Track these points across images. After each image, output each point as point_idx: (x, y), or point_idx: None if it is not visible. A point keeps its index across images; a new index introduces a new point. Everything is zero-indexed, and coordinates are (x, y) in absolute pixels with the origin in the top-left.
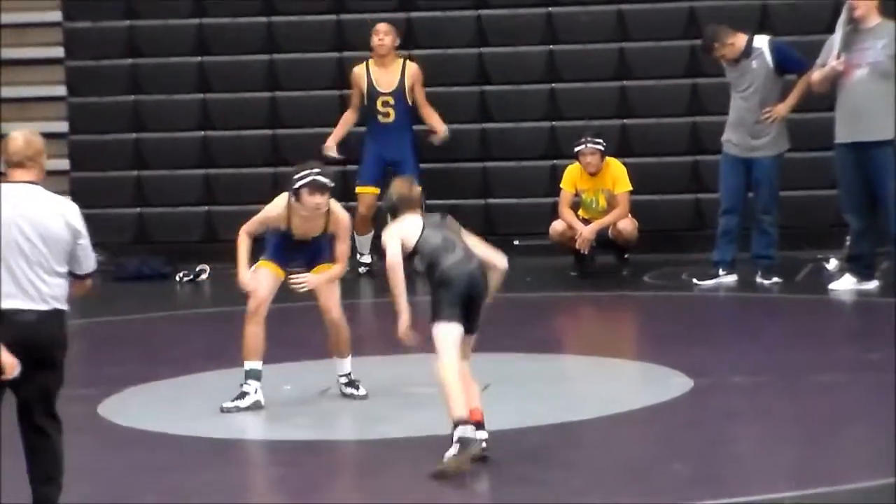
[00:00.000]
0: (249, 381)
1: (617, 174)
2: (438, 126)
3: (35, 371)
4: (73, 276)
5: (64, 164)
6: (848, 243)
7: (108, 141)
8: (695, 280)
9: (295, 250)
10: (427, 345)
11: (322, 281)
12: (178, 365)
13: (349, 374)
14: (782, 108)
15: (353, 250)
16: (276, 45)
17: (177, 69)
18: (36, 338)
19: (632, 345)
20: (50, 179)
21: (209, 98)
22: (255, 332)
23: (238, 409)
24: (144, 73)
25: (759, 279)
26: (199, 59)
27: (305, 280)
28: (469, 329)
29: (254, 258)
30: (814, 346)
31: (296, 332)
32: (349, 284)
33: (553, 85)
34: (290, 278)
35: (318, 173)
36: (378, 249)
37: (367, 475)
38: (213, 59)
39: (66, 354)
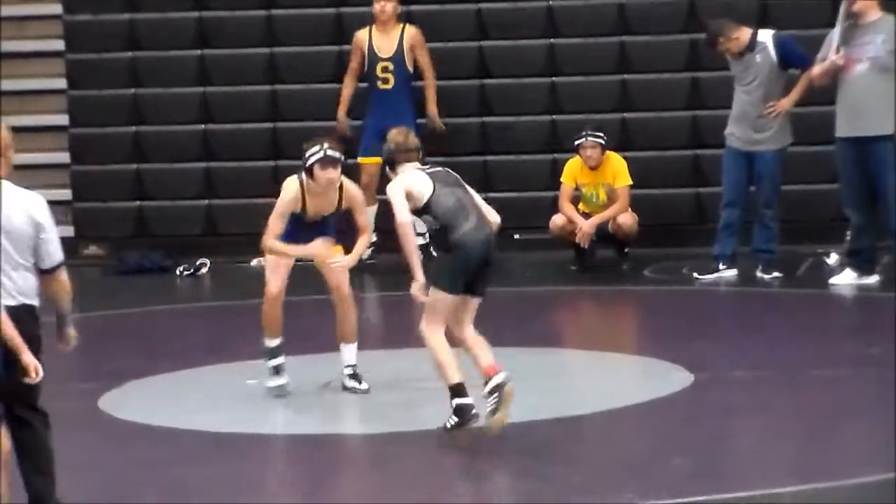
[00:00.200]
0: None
1: (617, 168)
2: (430, 106)
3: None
4: (41, 272)
5: (64, 157)
6: (848, 238)
7: (108, 134)
8: (695, 274)
9: (306, 232)
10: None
11: (356, 257)
12: (179, 359)
13: (354, 365)
14: (786, 103)
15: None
16: (276, 39)
17: (177, 62)
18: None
19: (632, 339)
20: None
21: (209, 91)
22: (277, 315)
23: (278, 390)
24: (145, 66)
25: (759, 274)
26: (199, 52)
27: (342, 261)
28: (477, 292)
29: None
30: (814, 341)
31: (298, 326)
32: (351, 275)
33: (553, 78)
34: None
35: (327, 147)
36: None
37: (370, 469)
38: (213, 53)
39: (41, 349)
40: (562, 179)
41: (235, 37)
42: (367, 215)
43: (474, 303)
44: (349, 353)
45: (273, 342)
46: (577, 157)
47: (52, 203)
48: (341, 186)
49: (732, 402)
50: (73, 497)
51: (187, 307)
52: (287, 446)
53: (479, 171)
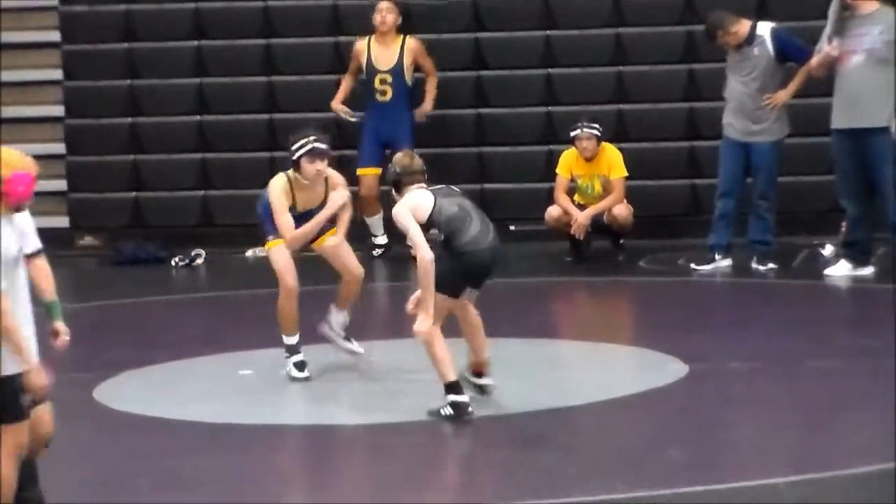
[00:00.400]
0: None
1: (613, 159)
2: (427, 104)
3: None
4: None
5: (60, 147)
6: (844, 229)
7: (104, 125)
8: (692, 265)
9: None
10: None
11: (343, 234)
12: (174, 349)
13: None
14: (783, 95)
15: (366, 232)
16: (273, 30)
17: (173, 53)
18: None
19: (627, 330)
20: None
21: (206, 82)
22: (294, 310)
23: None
24: (141, 57)
25: (755, 265)
26: (195, 43)
27: (331, 241)
28: (477, 287)
29: (255, 242)
30: (810, 332)
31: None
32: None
33: (549, 70)
34: (315, 247)
35: (315, 140)
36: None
37: (365, 459)
38: (209, 44)
39: None
40: (557, 171)
41: (232, 28)
42: (346, 190)
43: (474, 293)
44: (342, 316)
45: (292, 339)
46: (573, 148)
47: (47, 194)
48: (326, 178)
49: (728, 393)
50: (67, 487)
51: (183, 298)
52: (282, 436)
53: (475, 163)
